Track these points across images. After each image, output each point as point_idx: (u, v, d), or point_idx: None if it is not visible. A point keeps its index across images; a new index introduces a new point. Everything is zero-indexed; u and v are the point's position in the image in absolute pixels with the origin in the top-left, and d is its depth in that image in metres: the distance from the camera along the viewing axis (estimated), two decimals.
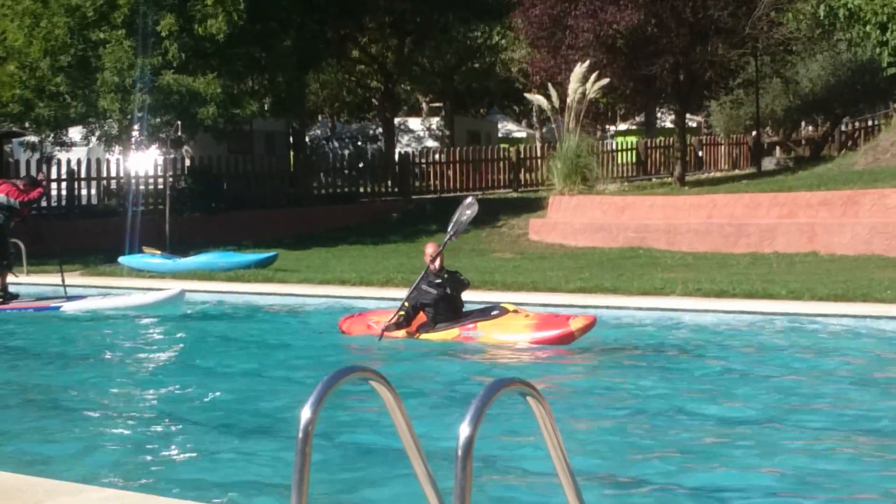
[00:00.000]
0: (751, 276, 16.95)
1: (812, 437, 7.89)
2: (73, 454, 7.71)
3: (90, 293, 17.21)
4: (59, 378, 11.22)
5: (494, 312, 12.35)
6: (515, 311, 12.32)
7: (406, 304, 12.48)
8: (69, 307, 16.09)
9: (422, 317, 12.55)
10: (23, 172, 25.95)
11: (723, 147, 42.91)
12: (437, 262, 12.51)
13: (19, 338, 14.31)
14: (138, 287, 18.08)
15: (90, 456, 7.66)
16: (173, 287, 16.78)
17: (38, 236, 20.54)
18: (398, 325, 12.49)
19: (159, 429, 8.68)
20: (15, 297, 16.97)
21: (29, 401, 10.02)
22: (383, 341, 12.29)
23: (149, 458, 7.65)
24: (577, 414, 8.67)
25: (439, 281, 12.48)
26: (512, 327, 12.07)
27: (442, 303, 12.44)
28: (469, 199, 13.60)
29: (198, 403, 9.73)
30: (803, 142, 46.08)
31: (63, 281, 17.09)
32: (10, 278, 17.25)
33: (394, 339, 12.40)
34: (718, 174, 38.83)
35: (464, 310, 12.63)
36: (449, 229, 13.14)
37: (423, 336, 12.42)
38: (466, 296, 12.90)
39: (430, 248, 12.72)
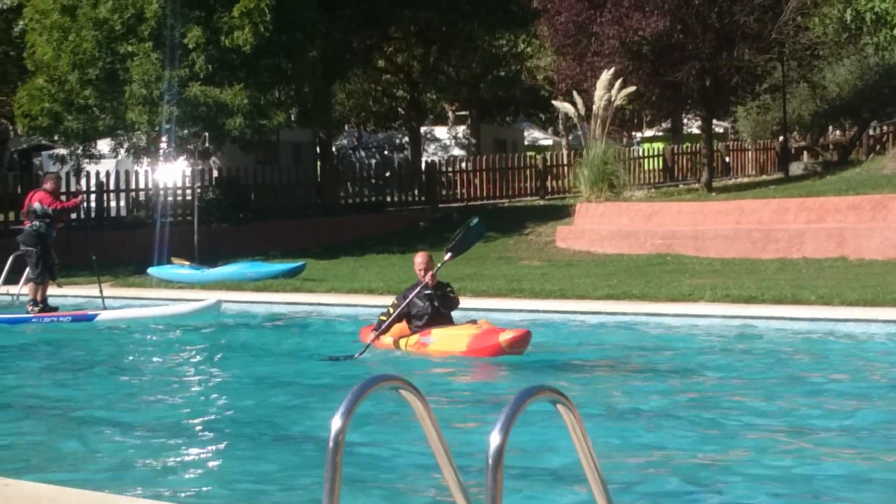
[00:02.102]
0: (779, 281, 16.88)
1: (856, 443, 7.85)
2: (108, 464, 7.76)
3: (122, 304, 17.32)
4: (94, 387, 11.27)
5: (460, 324, 12.18)
6: (474, 323, 12.09)
7: (390, 310, 12.34)
8: (105, 316, 16.21)
9: (404, 326, 12.39)
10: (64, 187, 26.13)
11: (750, 152, 42.76)
12: (428, 277, 12.25)
13: (55, 347, 14.40)
14: (170, 298, 18.17)
15: (124, 466, 7.70)
16: (209, 297, 16.87)
17: (68, 247, 20.68)
18: (380, 330, 12.30)
19: (191, 438, 8.72)
20: (54, 309, 17.11)
21: (64, 411, 10.08)
22: (367, 353, 12.08)
23: (181, 468, 7.69)
24: (606, 420, 8.66)
25: (429, 293, 12.29)
26: (455, 338, 11.86)
27: (426, 317, 12.25)
28: (475, 220, 13.43)
29: (228, 413, 9.77)
30: (831, 146, 45.85)
31: (101, 291, 17.22)
32: (51, 289, 17.41)
33: (385, 349, 12.31)
34: (746, 180, 38.71)
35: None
36: (449, 247, 12.91)
37: (384, 339, 12.31)
38: (491, 303, 12.87)
39: (419, 258, 12.47)
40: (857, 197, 21.57)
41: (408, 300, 12.30)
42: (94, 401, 10.52)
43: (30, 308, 16.97)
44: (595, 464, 4.14)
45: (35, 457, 8.15)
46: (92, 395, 10.83)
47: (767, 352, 12.07)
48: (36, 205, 16.99)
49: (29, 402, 10.60)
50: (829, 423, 8.49)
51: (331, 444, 3.95)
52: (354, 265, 23.86)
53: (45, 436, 8.99)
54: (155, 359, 13.49)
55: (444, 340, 11.95)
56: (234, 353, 13.51)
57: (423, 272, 12.30)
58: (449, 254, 12.90)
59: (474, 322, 12.19)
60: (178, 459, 7.93)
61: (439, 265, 12.56)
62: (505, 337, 11.49)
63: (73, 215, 21.17)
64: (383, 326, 12.32)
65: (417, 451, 7.37)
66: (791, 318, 13.60)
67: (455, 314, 12.54)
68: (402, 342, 12.31)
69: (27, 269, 18.49)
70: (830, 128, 47.69)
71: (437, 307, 12.26)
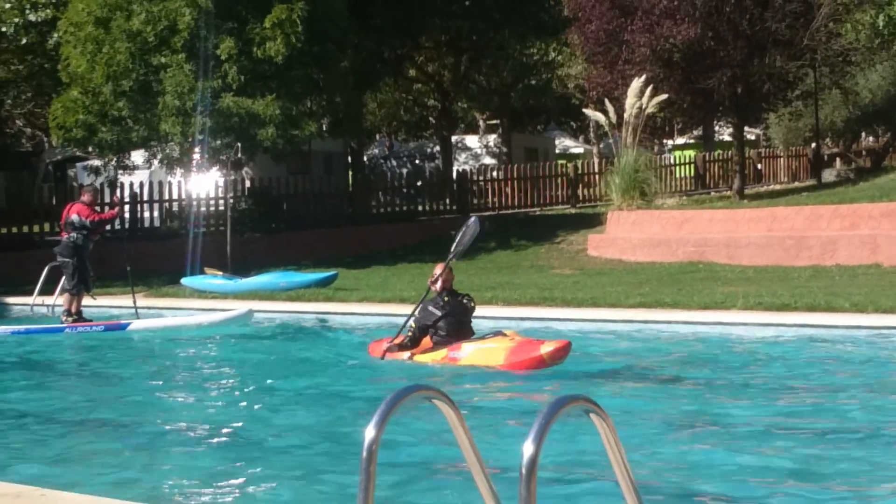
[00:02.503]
0: (812, 289, 16.80)
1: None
2: (142, 474, 7.82)
3: (155, 314, 17.43)
4: (126, 396, 11.36)
5: (488, 335, 12.09)
6: (503, 335, 11.95)
7: (412, 325, 12.32)
8: (137, 325, 16.33)
9: (427, 340, 12.35)
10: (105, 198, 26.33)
11: (782, 159, 42.56)
12: (439, 285, 12.26)
13: (88, 356, 14.52)
14: (203, 308, 18.27)
15: (157, 475, 7.75)
16: (240, 307, 16.96)
17: (102, 258, 20.82)
18: (401, 347, 12.30)
19: (222, 448, 8.77)
20: (88, 321, 17.24)
21: (97, 419, 10.15)
22: (385, 360, 12.14)
23: (212, 477, 7.73)
24: (640, 430, 8.65)
25: (442, 303, 12.26)
26: (490, 352, 11.71)
27: (445, 325, 12.18)
28: (472, 219, 13.29)
29: (260, 423, 9.81)
30: (864, 153, 45.61)
31: (134, 301, 17.35)
32: (85, 300, 17.55)
33: (399, 360, 12.27)
34: (778, 187, 38.53)
35: (473, 335, 12.31)
36: (452, 249, 12.84)
37: (417, 358, 12.22)
38: (523, 311, 12.85)
39: (437, 270, 12.50)
40: (891, 203, 21.44)
41: (418, 305, 12.38)
42: (127, 410, 10.59)
43: (64, 318, 17.10)
44: (629, 474, 4.15)
45: (70, 467, 8.21)
46: (124, 404, 10.91)
47: (803, 359, 12.02)
48: (74, 216, 17.11)
49: (63, 412, 10.70)
50: (870, 435, 8.45)
51: (364, 453, 3.98)
52: (386, 274, 23.91)
53: (79, 445, 9.06)
54: (185, 367, 13.55)
55: (478, 354, 11.80)
56: (266, 362, 13.57)
57: (439, 281, 12.31)
58: (452, 256, 12.79)
59: (502, 334, 12.03)
60: (210, 469, 7.97)
61: (446, 267, 12.48)
62: (547, 349, 11.33)
63: (110, 226, 21.29)
64: (395, 340, 12.30)
65: (451, 461, 7.39)
66: (825, 326, 13.54)
67: (478, 325, 12.52)
68: (428, 356, 12.18)
69: (62, 280, 18.63)
70: (863, 134, 47.45)
71: (450, 316, 12.20)
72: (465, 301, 12.38)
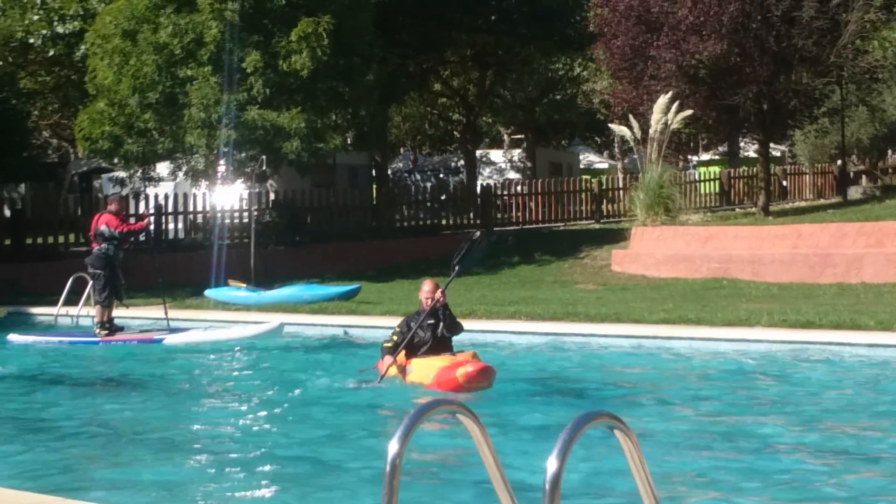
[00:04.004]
0: (837, 306, 16.70)
1: None
2: (173, 486, 7.84)
3: (180, 326, 17.47)
4: (160, 410, 11.39)
5: (449, 354, 11.87)
6: (457, 354, 11.73)
7: (394, 337, 12.15)
8: (171, 340, 16.38)
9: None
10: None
11: (807, 176, 42.42)
12: (438, 294, 12.06)
13: (124, 369, 14.55)
14: (227, 320, 18.32)
15: (187, 488, 7.77)
16: (272, 320, 16.99)
17: (127, 269, 20.90)
18: (383, 354, 12.10)
19: (251, 461, 8.77)
20: (120, 329, 17.31)
21: (131, 432, 10.18)
22: (383, 384, 11.88)
23: (241, 490, 7.74)
24: (666, 445, 8.62)
25: (431, 322, 12.04)
26: (427, 370, 11.50)
27: (426, 346, 11.96)
28: (477, 234, 13.11)
29: (287, 436, 9.82)
30: (890, 170, 45.39)
31: (166, 314, 17.43)
32: (116, 311, 17.62)
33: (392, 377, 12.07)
34: (803, 204, 38.38)
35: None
36: (454, 262, 12.54)
37: (381, 369, 12.06)
38: (546, 326, 12.79)
39: (427, 286, 12.29)
40: None
41: (406, 320, 12.23)
42: (158, 423, 10.63)
43: (97, 331, 17.14)
44: (653, 490, 4.13)
45: (97, 478, 8.23)
46: (155, 418, 10.95)
47: (828, 377, 11.95)
48: (103, 227, 17.16)
49: (92, 424, 10.75)
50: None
51: (388, 467, 3.97)
52: (409, 288, 23.85)
53: (108, 457, 9.08)
54: (220, 382, 13.58)
55: (419, 371, 11.65)
56: (291, 375, 13.56)
57: (429, 300, 12.12)
58: (456, 269, 12.57)
59: (458, 353, 11.81)
60: (238, 484, 7.98)
61: (448, 281, 12.37)
62: (462, 371, 11.07)
63: (134, 238, 21.34)
64: (389, 359, 12.05)
65: (474, 477, 7.37)
66: (850, 344, 13.46)
67: (497, 339, 12.39)
68: (392, 368, 12.01)
69: (87, 290, 18.72)
70: (889, 151, 47.23)
71: (438, 336, 11.99)
72: (448, 322, 12.08)
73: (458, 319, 12.37)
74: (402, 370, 11.89)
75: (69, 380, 13.11)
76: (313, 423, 10.30)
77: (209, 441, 9.58)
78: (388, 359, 11.94)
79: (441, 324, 12.07)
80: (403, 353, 12.01)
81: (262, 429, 10.30)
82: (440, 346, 12.01)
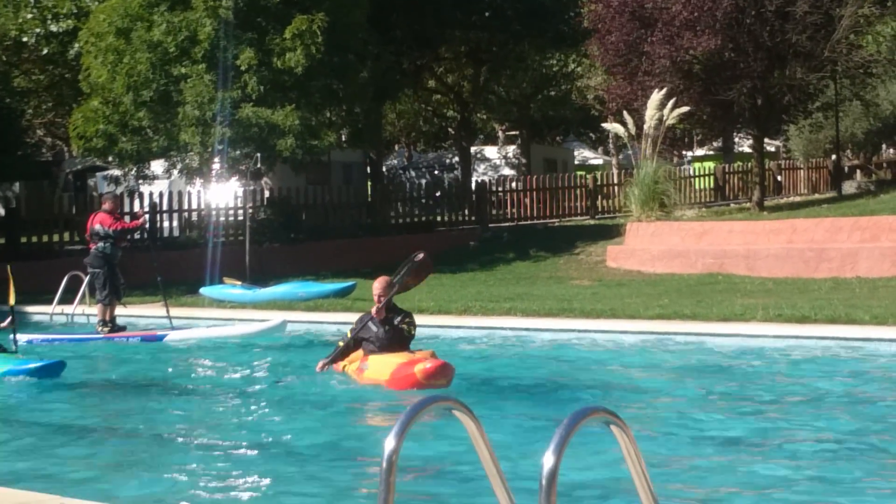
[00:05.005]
0: (833, 301, 16.72)
1: None
2: (173, 483, 7.84)
3: (179, 323, 17.46)
4: (163, 407, 11.38)
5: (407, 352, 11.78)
6: (416, 353, 11.63)
7: (348, 335, 12.14)
8: (173, 336, 16.39)
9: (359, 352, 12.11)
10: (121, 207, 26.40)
11: (802, 171, 42.42)
12: (374, 311, 11.96)
13: (126, 367, 14.54)
14: (222, 318, 18.30)
15: (187, 485, 7.77)
16: (275, 317, 16.99)
17: (125, 269, 20.88)
18: (333, 358, 12.15)
19: (253, 460, 8.77)
20: (122, 328, 17.31)
21: (132, 430, 10.18)
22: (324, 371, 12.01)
23: (241, 489, 7.73)
24: (662, 442, 8.63)
25: (386, 327, 11.97)
26: (384, 367, 11.36)
27: (377, 341, 11.91)
28: (420, 256, 12.75)
29: (285, 432, 9.82)
30: (884, 165, 45.46)
31: (167, 311, 17.42)
32: (118, 309, 17.62)
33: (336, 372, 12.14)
34: (798, 199, 38.38)
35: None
36: (394, 280, 12.41)
37: (335, 366, 12.11)
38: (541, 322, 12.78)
39: (376, 285, 12.21)
40: None
41: (359, 319, 12.21)
42: (162, 420, 10.63)
43: (99, 329, 17.17)
44: (649, 485, 4.13)
45: (102, 475, 8.23)
46: (159, 414, 10.95)
47: (823, 372, 11.97)
48: (98, 226, 17.18)
49: (98, 421, 10.76)
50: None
51: (384, 464, 3.98)
52: None
53: (107, 455, 9.07)
54: (221, 378, 13.58)
55: (375, 368, 11.52)
56: (289, 373, 13.56)
57: (377, 298, 12.08)
58: (395, 287, 12.37)
59: (416, 351, 11.73)
60: (242, 481, 7.98)
61: (387, 297, 12.07)
62: (420, 367, 10.91)
63: (138, 235, 21.29)
64: (335, 353, 12.13)
65: (469, 472, 7.38)
66: (845, 338, 13.48)
67: (490, 335, 12.36)
68: (347, 367, 11.99)
69: (82, 288, 18.72)
70: (884, 146, 47.30)
71: (392, 334, 11.94)
72: (402, 326, 12.00)
73: (406, 330, 12.06)
74: (360, 368, 11.75)
75: (70, 377, 13.08)
76: (313, 419, 10.32)
77: (209, 439, 9.57)
78: (324, 360, 12.09)
79: (395, 320, 11.99)
80: (360, 350, 12.02)
81: (263, 425, 10.28)
82: (396, 343, 11.87)
